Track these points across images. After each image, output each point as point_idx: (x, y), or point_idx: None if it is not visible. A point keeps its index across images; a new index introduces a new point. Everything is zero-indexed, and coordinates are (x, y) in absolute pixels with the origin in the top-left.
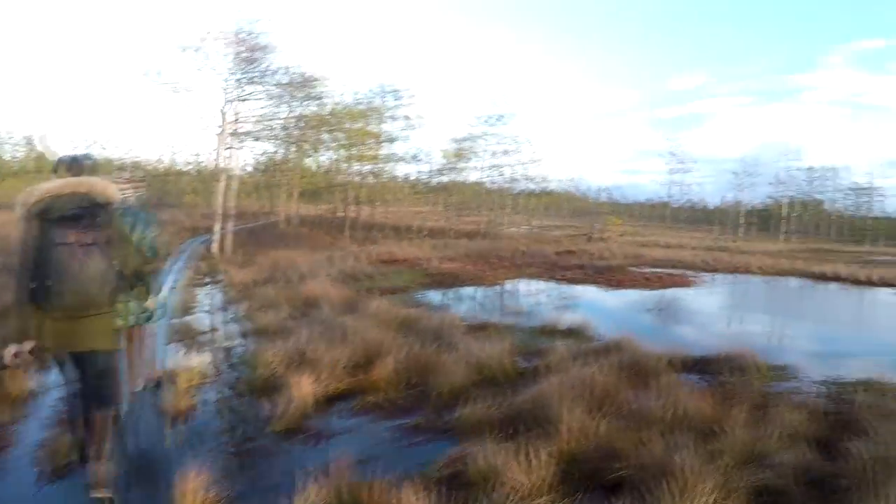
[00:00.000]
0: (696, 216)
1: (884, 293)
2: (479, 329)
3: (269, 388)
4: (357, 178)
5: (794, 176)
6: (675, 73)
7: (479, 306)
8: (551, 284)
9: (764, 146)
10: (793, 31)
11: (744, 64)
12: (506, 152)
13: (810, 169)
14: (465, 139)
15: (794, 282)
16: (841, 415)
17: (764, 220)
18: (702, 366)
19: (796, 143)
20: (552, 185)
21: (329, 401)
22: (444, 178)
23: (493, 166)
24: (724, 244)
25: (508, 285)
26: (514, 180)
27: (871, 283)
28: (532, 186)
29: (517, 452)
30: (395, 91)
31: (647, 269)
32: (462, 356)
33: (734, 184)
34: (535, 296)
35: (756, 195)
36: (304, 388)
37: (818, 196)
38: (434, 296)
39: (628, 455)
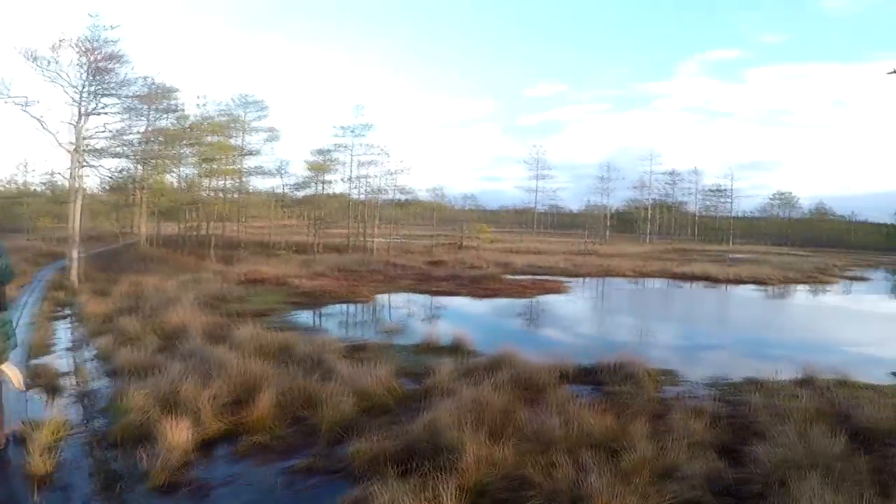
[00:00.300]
0: (561, 221)
1: (744, 290)
2: (359, 350)
3: (142, 435)
4: (219, 194)
5: (656, 179)
6: (534, 82)
7: (354, 325)
8: (426, 297)
9: (621, 151)
10: (648, 40)
11: (600, 72)
12: (371, 163)
13: (672, 173)
14: (327, 150)
15: (664, 283)
16: (738, 418)
17: (626, 222)
18: (592, 376)
19: (653, 148)
20: (419, 195)
21: (210, 445)
22: (309, 191)
23: (358, 177)
24: (591, 248)
25: (382, 300)
26: (380, 190)
27: (732, 280)
28: (400, 196)
29: (422, 489)
30: (256, 102)
31: (521, 277)
32: (346, 383)
33: (597, 188)
34: (410, 310)
35: (617, 199)
36: (181, 433)
37: (679, 199)
38: (307, 316)
39: (539, 483)
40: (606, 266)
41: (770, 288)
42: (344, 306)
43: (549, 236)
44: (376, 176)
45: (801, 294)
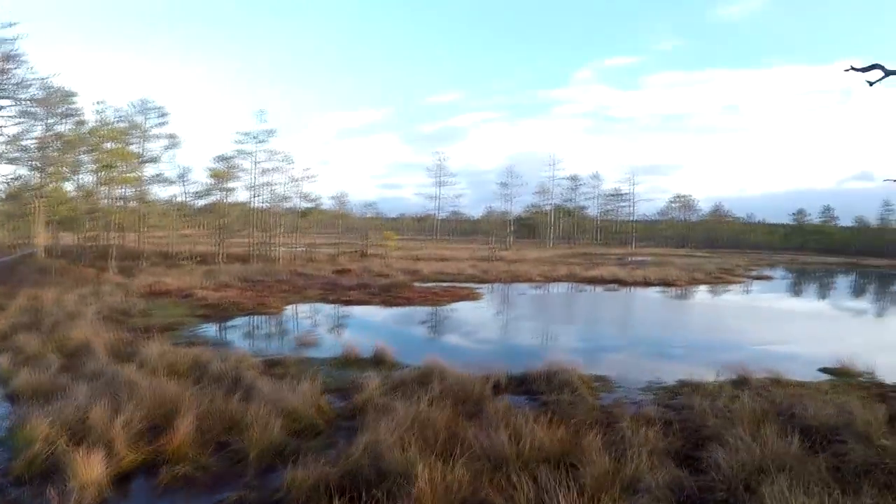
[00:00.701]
0: (462, 227)
1: (655, 292)
2: (276, 365)
3: (50, 470)
4: (119, 202)
5: (558, 184)
6: (433, 90)
7: (267, 338)
8: (337, 307)
9: (521, 157)
10: (545, 47)
11: (498, 79)
12: (274, 169)
13: (573, 178)
14: (229, 157)
15: (574, 287)
16: (687, 423)
17: (528, 227)
18: (525, 385)
19: (554, 154)
20: (323, 203)
21: (127, 478)
22: (211, 199)
23: (262, 184)
24: (496, 254)
25: (293, 311)
26: (283, 198)
27: (641, 283)
28: (305, 204)
29: None
30: (156, 108)
31: (431, 284)
32: (270, 403)
33: (499, 194)
34: (323, 321)
35: (518, 205)
36: (94, 466)
37: (580, 203)
38: (216, 330)
39: None
40: (514, 271)
41: (680, 289)
42: (253, 318)
43: (452, 243)
44: (280, 183)
45: (712, 295)
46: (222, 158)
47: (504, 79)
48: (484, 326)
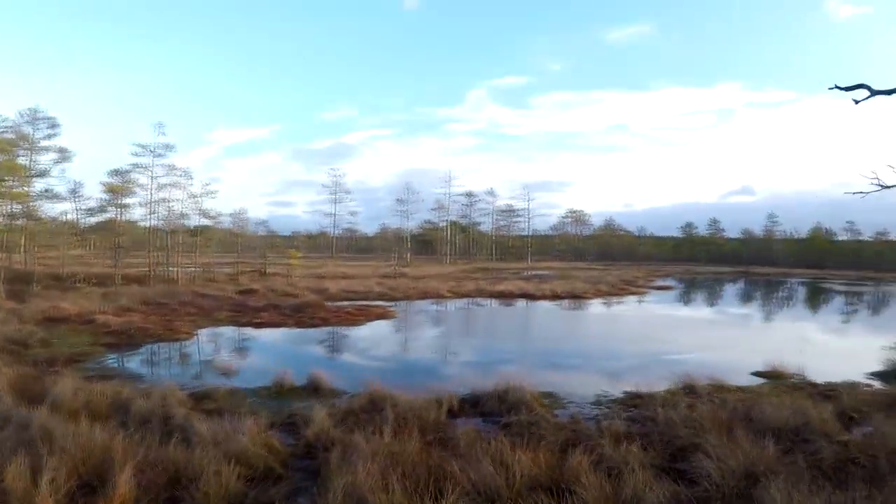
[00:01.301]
0: (357, 244)
1: (566, 305)
2: (205, 399)
3: None
4: (5, 220)
5: (454, 201)
6: (323, 106)
7: (186, 367)
8: (251, 330)
9: (412, 174)
10: (439, 66)
11: (391, 97)
12: (173, 185)
13: (468, 194)
14: (125, 171)
15: (485, 302)
16: (658, 434)
17: (423, 244)
18: (477, 406)
19: (448, 170)
20: (223, 221)
21: None
22: (106, 216)
23: (159, 201)
24: (398, 270)
25: (205, 336)
26: (182, 216)
27: (550, 296)
28: (205, 221)
29: None
30: (47, 118)
31: (343, 303)
32: (214, 445)
33: (397, 210)
34: (241, 346)
35: (413, 221)
36: None
37: (475, 219)
38: (127, 360)
39: None
40: (422, 288)
41: (590, 302)
42: (164, 346)
43: (349, 260)
44: (178, 200)
45: (623, 306)
46: (118, 172)
47: (397, 96)
48: (411, 347)
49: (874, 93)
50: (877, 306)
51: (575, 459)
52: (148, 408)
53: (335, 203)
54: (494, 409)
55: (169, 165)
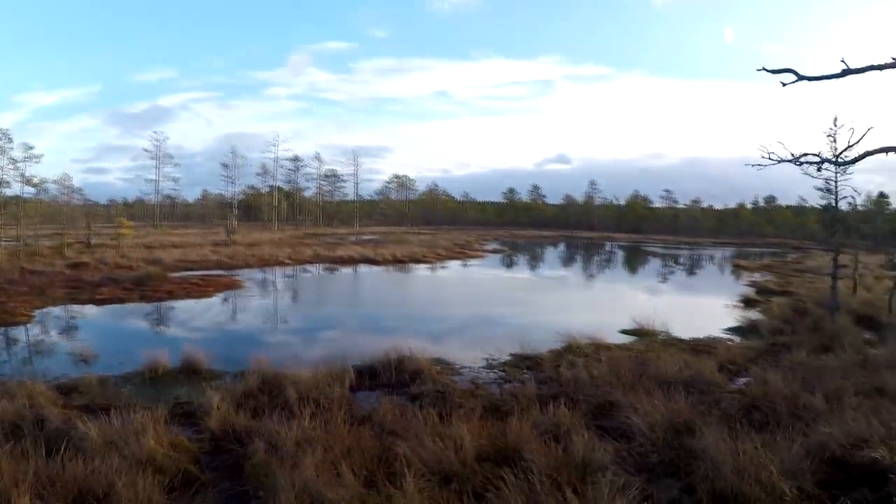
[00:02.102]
0: (183, 211)
1: (413, 269)
2: (73, 392)
3: None
4: None
5: (281, 166)
6: (139, 67)
7: (37, 355)
8: (94, 308)
9: (231, 139)
10: (259, 28)
11: (210, 58)
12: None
13: (295, 159)
14: None
15: (329, 268)
16: (572, 393)
17: (247, 209)
18: (375, 378)
19: (266, 135)
20: (48, 188)
21: None
22: None
23: None
24: (231, 238)
25: (45, 317)
26: (2, 183)
27: (391, 261)
28: (30, 190)
29: None
30: None
31: (185, 273)
32: (112, 452)
33: (222, 176)
34: (90, 326)
35: (237, 186)
36: None
37: (301, 184)
38: None
39: None
40: (260, 255)
41: (432, 265)
42: (1, 331)
43: (173, 229)
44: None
45: (466, 270)
46: None
47: (217, 58)
48: (272, 318)
49: (800, 77)
50: (706, 267)
51: (514, 426)
52: (13, 410)
53: (158, 169)
54: (391, 379)
55: None
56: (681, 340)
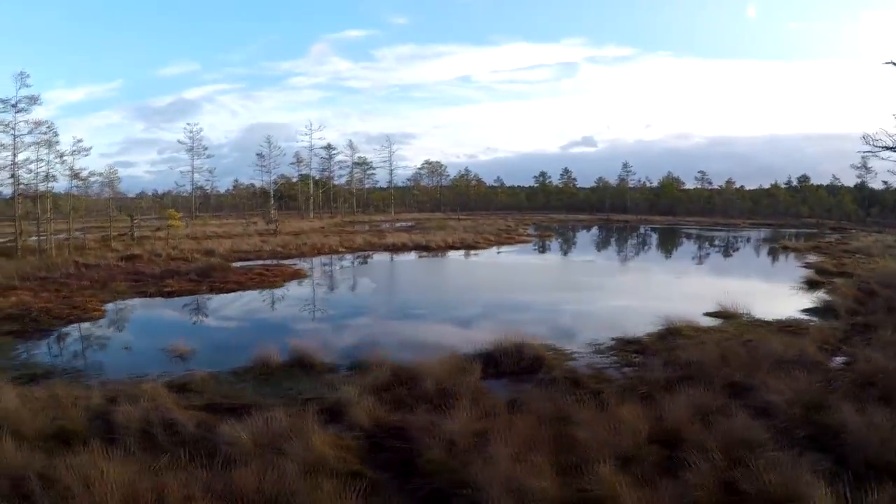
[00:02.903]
0: (209, 202)
1: (463, 255)
2: (186, 391)
3: None
4: None
5: (316, 154)
6: (163, 61)
7: (127, 353)
8: (166, 300)
9: (257, 129)
10: (280, 19)
11: (232, 51)
12: (40, 143)
13: (328, 147)
14: None
15: (385, 255)
16: (702, 377)
17: (280, 199)
18: (498, 366)
19: (291, 125)
20: (93, 183)
21: None
22: None
23: (25, 161)
24: (272, 227)
25: (119, 312)
26: (49, 178)
27: (445, 247)
28: (77, 183)
29: None
30: None
31: (244, 264)
32: (277, 456)
33: (258, 166)
34: (171, 320)
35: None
36: None
37: (336, 172)
38: (46, 348)
39: None
40: (311, 244)
41: (485, 251)
42: (80, 328)
43: (210, 219)
44: (44, 160)
45: (525, 255)
46: None
47: (239, 50)
48: (358, 307)
49: None
50: (753, 249)
51: (670, 409)
52: (139, 415)
53: (193, 160)
54: (513, 367)
55: (35, 121)
56: (766, 322)
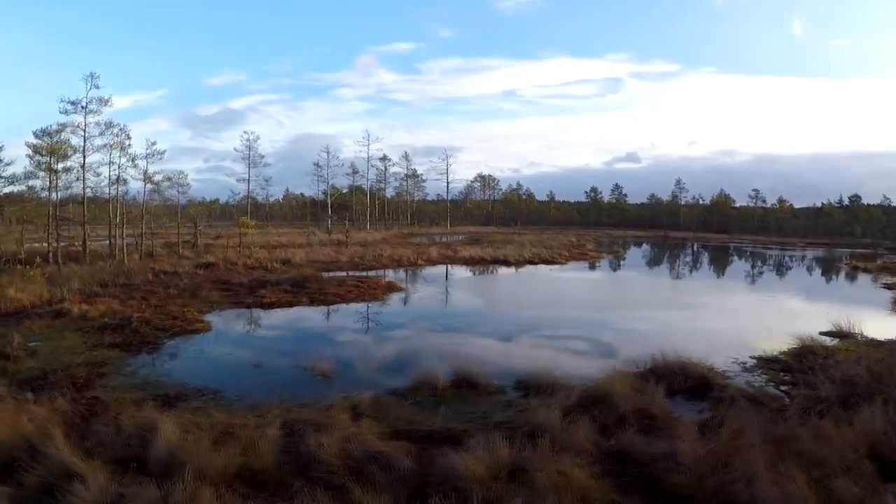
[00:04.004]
0: (259, 211)
1: (555, 270)
2: (357, 415)
3: None
4: None
5: (373, 165)
6: (210, 71)
7: (265, 374)
8: (268, 313)
9: (302, 139)
10: (326, 31)
11: (278, 62)
12: (111, 146)
13: (384, 158)
14: (55, 130)
15: (478, 268)
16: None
17: (341, 209)
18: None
19: (366, 131)
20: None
21: None
22: (35, 183)
23: (97, 164)
24: (336, 237)
25: (222, 325)
26: (120, 181)
27: (524, 262)
28: (150, 186)
29: None
30: None
31: (329, 274)
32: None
33: (315, 175)
34: (289, 335)
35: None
36: None
37: (390, 183)
38: (164, 366)
39: None
40: (389, 256)
41: (567, 266)
42: (187, 341)
43: (263, 228)
44: (115, 164)
45: (603, 271)
46: (45, 133)
47: (285, 62)
48: (473, 321)
49: None
50: (823, 268)
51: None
52: (336, 448)
53: (250, 168)
54: (682, 385)
55: (106, 123)
56: (880, 342)
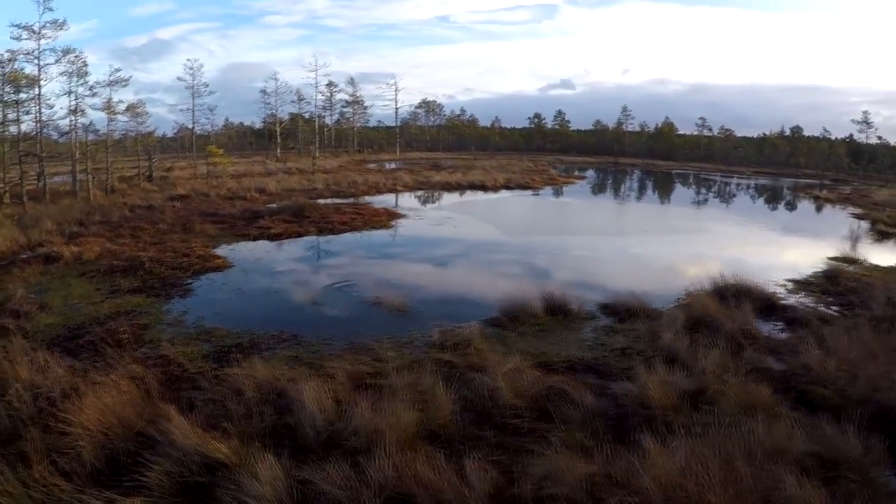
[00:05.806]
0: (198, 143)
1: (531, 194)
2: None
3: None
4: None
5: (320, 92)
6: (135, 1)
7: (331, 313)
8: (276, 244)
9: (235, 68)
10: None
11: None
12: (69, 74)
13: (329, 84)
14: (9, 59)
15: (451, 195)
16: None
17: (260, 136)
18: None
19: (314, 57)
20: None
21: None
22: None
23: (55, 95)
24: (292, 165)
25: (240, 260)
26: (79, 112)
27: (499, 187)
28: (113, 117)
29: None
30: None
31: (325, 202)
32: None
33: (263, 103)
34: (326, 267)
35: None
36: None
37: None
38: (208, 313)
39: None
40: (364, 183)
41: (539, 191)
42: (213, 279)
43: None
44: (73, 93)
45: (585, 196)
46: None
47: None
48: (501, 247)
49: None
50: (789, 199)
51: None
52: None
53: (194, 97)
54: (754, 305)
55: (63, 49)
56: (886, 268)
